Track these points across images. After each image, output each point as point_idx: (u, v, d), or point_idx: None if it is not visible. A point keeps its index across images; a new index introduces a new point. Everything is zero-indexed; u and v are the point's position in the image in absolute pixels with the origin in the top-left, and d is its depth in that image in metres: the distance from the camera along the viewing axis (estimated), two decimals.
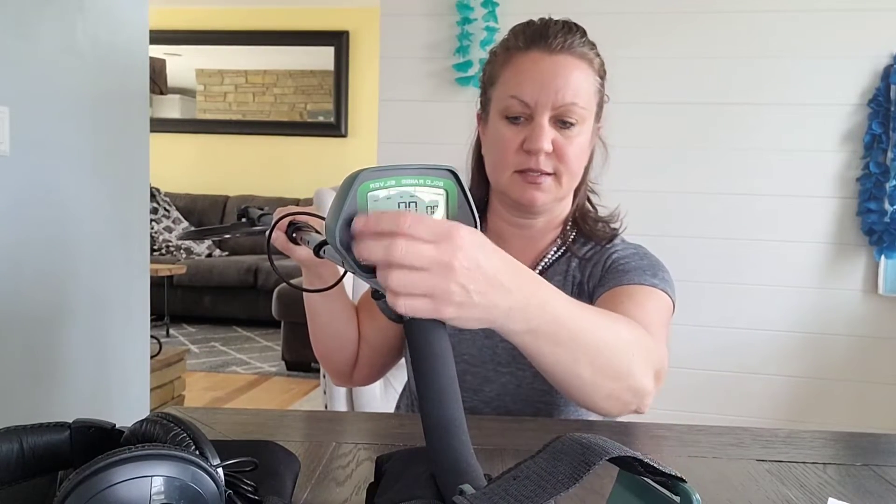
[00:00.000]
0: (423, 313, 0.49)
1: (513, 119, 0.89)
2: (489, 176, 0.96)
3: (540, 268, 0.97)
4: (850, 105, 2.15)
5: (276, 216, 0.82)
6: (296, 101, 5.49)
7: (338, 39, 5.34)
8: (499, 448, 0.69)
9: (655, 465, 0.38)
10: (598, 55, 0.92)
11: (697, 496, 0.37)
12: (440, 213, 0.52)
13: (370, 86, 5.25)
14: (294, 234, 0.79)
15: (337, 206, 0.50)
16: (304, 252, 0.81)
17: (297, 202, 5.26)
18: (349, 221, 0.49)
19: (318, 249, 0.66)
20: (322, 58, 5.38)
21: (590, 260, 0.95)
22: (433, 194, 0.52)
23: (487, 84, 0.95)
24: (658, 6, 2.21)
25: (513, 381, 0.92)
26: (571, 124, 0.88)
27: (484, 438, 0.72)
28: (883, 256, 2.14)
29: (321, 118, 5.47)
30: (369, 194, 0.50)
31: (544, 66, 0.87)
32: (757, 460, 0.70)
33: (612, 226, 1.00)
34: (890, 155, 2.12)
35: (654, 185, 2.20)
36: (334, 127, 5.42)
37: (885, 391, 2.19)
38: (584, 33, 0.91)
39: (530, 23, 0.92)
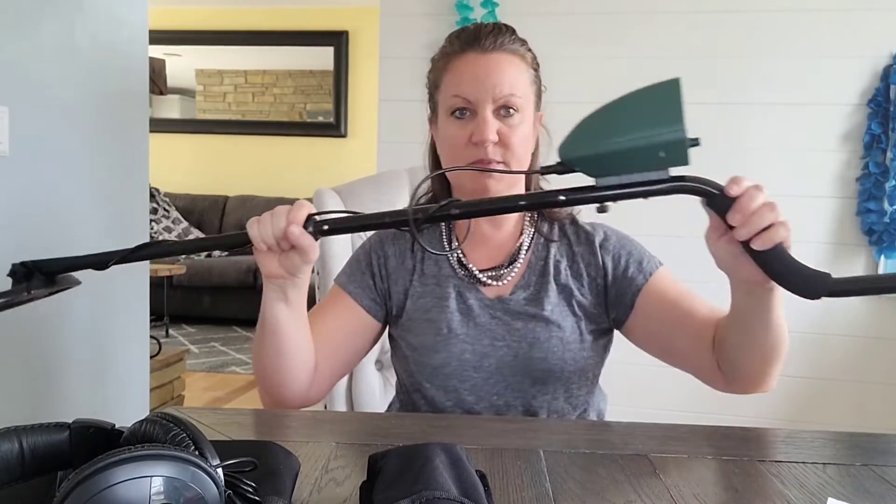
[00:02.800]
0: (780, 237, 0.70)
1: (459, 115, 0.95)
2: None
3: (522, 256, 1.01)
4: (850, 105, 2.15)
5: (292, 211, 0.76)
6: (295, 102, 5.49)
7: (337, 39, 5.34)
8: (498, 448, 0.69)
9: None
10: (530, 50, 0.99)
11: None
12: None
13: (370, 86, 5.25)
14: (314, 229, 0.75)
15: (677, 108, 0.65)
16: (313, 251, 0.77)
17: (295, 202, 5.26)
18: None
19: (423, 222, 0.72)
20: (322, 58, 5.38)
21: (574, 244, 1.02)
22: None
23: (433, 89, 1.03)
24: (658, 5, 2.21)
25: (509, 353, 0.96)
26: (513, 112, 0.94)
27: (483, 439, 0.72)
28: (882, 256, 2.14)
29: (321, 118, 5.47)
30: None
31: (479, 65, 0.94)
32: (757, 460, 0.70)
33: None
34: (889, 155, 2.12)
35: None
36: (334, 127, 5.42)
37: (884, 391, 2.19)
38: (513, 32, 0.98)
39: (464, 28, 1.00)
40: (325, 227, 0.76)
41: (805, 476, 0.66)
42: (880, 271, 2.15)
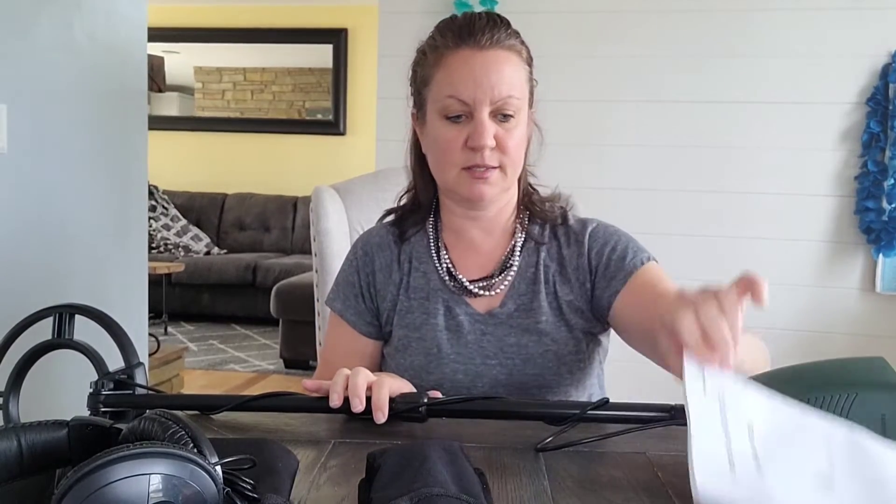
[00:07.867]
0: None
1: (453, 118, 0.90)
2: (434, 174, 0.97)
3: (515, 262, 0.97)
4: (849, 103, 2.15)
5: (379, 406, 0.72)
6: (294, 99, 5.48)
7: (336, 37, 5.33)
8: (497, 447, 0.69)
9: None
10: (524, 44, 0.94)
11: None
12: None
13: (369, 84, 5.24)
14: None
15: None
16: None
17: (294, 200, 5.27)
18: None
19: None
20: (320, 55, 5.38)
21: (564, 246, 0.97)
22: None
23: (420, 85, 0.96)
24: (658, 5, 2.21)
25: (503, 372, 0.93)
26: (510, 116, 0.90)
27: (482, 437, 0.72)
28: (881, 255, 2.14)
29: (319, 116, 5.46)
30: None
31: (476, 64, 0.88)
32: None
33: (559, 204, 1.02)
34: (888, 153, 2.12)
35: (653, 183, 2.20)
36: (332, 125, 5.42)
37: None
38: (508, 25, 0.92)
39: (454, 19, 0.93)
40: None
41: None
42: (878, 269, 2.15)
